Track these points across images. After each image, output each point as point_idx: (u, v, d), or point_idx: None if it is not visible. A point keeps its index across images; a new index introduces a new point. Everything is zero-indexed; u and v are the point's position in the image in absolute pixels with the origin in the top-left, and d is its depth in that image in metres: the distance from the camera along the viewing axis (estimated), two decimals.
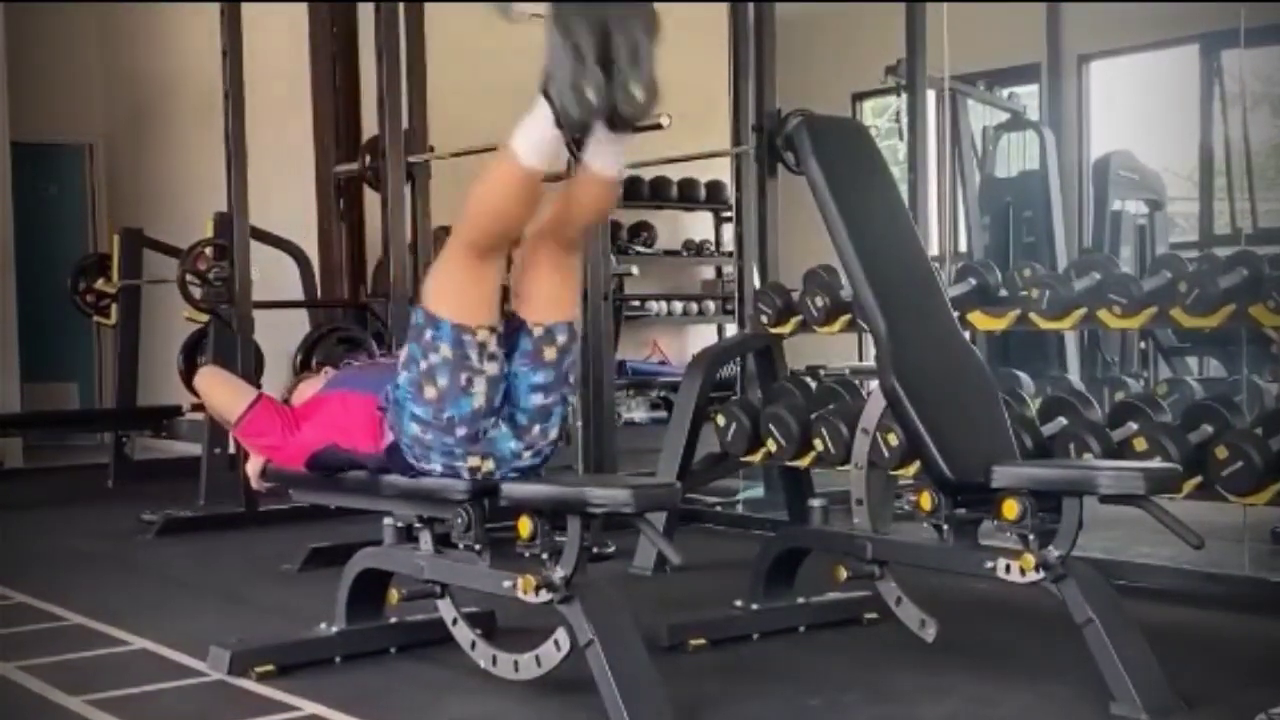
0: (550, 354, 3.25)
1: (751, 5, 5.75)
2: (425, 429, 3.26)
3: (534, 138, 3.03)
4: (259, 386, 4.23)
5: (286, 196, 8.07)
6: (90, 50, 10.39)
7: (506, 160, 3.05)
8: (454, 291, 3.19)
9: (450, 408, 3.21)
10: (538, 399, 3.27)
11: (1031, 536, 3.28)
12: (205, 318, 6.89)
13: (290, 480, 3.84)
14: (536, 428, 3.30)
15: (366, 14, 6.78)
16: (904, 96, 6.39)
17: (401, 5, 6.21)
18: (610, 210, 3.47)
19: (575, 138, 3.07)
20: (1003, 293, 4.79)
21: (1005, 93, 9.32)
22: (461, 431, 3.23)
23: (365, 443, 3.47)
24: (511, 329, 3.25)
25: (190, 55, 9.08)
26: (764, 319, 5.32)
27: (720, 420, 5.19)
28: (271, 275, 7.28)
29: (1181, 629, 4.01)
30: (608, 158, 3.15)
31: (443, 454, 3.27)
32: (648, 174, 10.43)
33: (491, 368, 3.20)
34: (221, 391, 3.89)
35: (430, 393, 3.21)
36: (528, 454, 3.32)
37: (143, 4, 9.87)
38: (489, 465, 3.29)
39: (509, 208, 3.12)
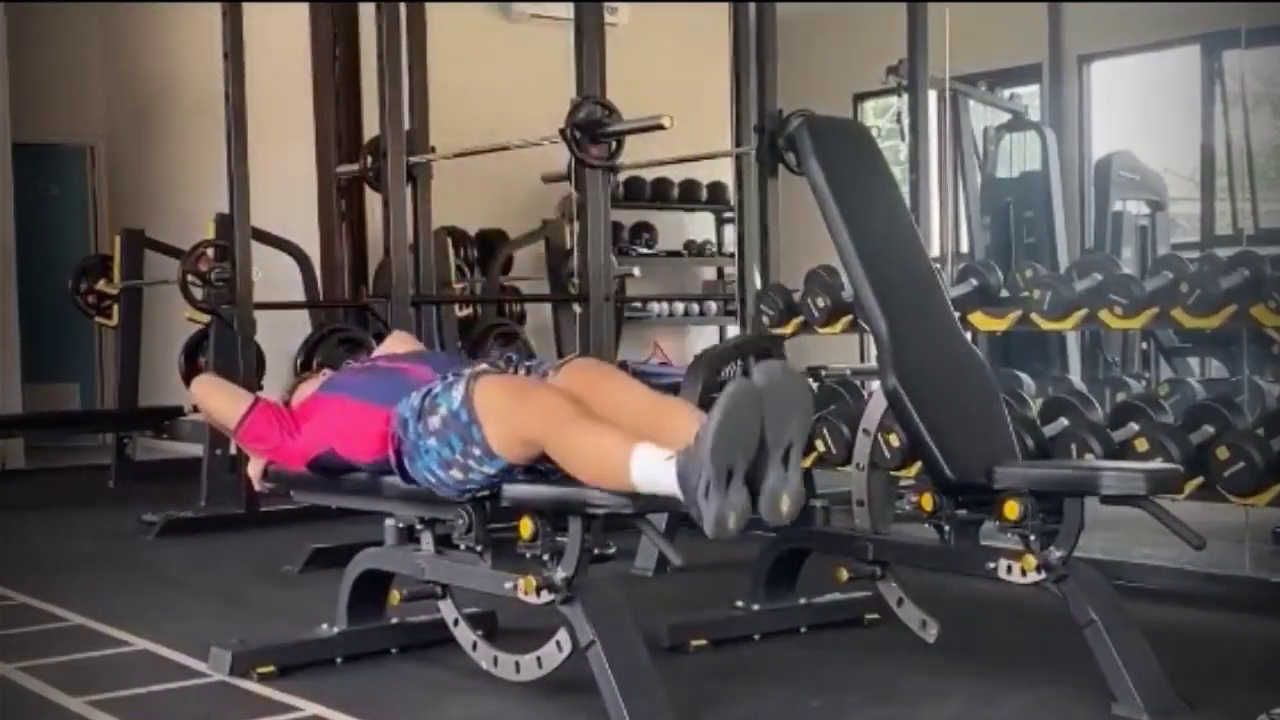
0: None
1: (752, 5, 5.75)
2: (442, 484, 3.29)
3: (650, 486, 2.93)
4: (260, 388, 4.22)
5: (288, 197, 8.07)
6: (92, 51, 10.39)
7: (616, 470, 2.97)
8: (513, 437, 3.14)
9: (472, 481, 3.25)
10: None
11: (1033, 537, 3.29)
12: (206, 318, 6.88)
13: (291, 481, 3.83)
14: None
15: (368, 14, 6.77)
16: (905, 97, 6.39)
17: (403, 5, 6.21)
18: None
19: None
20: (1004, 293, 4.79)
21: (1006, 93, 9.32)
22: (484, 490, 3.28)
23: (365, 451, 3.46)
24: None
25: (191, 56, 9.07)
26: (765, 320, 5.32)
27: None
28: (273, 276, 7.28)
29: (1183, 630, 4.01)
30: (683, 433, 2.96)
31: (457, 491, 3.30)
32: (649, 175, 10.43)
33: (522, 478, 3.25)
34: (218, 399, 3.88)
35: (456, 474, 3.24)
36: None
37: (143, 4, 9.87)
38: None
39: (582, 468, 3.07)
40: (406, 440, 3.31)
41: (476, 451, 3.19)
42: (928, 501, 3.52)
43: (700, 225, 11.32)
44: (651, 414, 3.16)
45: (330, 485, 3.70)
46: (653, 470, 2.92)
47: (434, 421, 3.24)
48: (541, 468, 3.24)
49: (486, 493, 3.28)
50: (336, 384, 3.71)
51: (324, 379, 3.83)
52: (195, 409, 7.30)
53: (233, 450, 6.32)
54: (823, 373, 5.97)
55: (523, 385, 3.27)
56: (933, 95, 6.62)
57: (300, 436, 3.66)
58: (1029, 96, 9.62)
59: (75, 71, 10.30)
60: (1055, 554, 3.25)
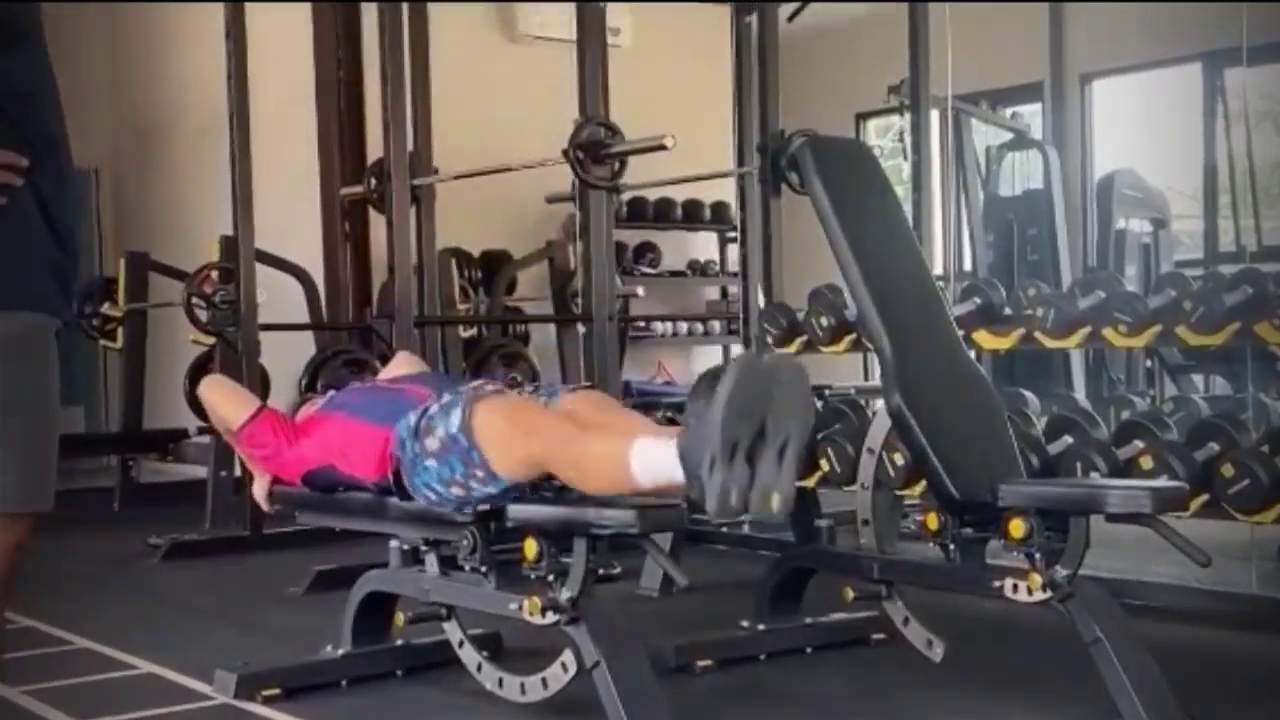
0: None
1: (755, 24, 5.76)
2: (442, 500, 3.32)
3: (651, 475, 2.94)
4: (266, 404, 4.23)
5: (292, 219, 8.08)
6: (96, 75, 10.41)
7: (616, 466, 2.97)
8: (519, 461, 3.16)
9: (474, 496, 3.27)
10: None
11: (1038, 556, 3.27)
12: (211, 341, 6.89)
13: (296, 502, 3.84)
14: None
15: (371, 37, 6.80)
16: (907, 116, 6.40)
17: (406, 29, 6.23)
18: None
19: None
20: (1007, 311, 4.79)
21: (1008, 112, 9.34)
22: (484, 505, 3.30)
23: (366, 471, 3.47)
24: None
25: (195, 79, 9.10)
26: (769, 339, 5.32)
27: None
28: (277, 298, 7.29)
29: (1189, 647, 4.00)
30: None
31: (456, 508, 3.33)
32: (652, 195, 10.45)
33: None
34: (225, 399, 3.89)
35: (457, 490, 3.27)
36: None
37: (147, 29, 9.92)
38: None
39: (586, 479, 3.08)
40: (405, 459, 3.33)
41: (479, 474, 3.21)
42: (933, 520, 3.51)
43: (703, 245, 11.34)
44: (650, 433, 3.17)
45: (334, 507, 3.70)
46: (653, 457, 2.90)
47: (431, 443, 3.26)
48: (545, 487, 3.24)
49: (488, 506, 3.29)
50: (338, 402, 3.73)
51: (327, 398, 3.84)
52: (200, 430, 7.35)
53: (238, 472, 6.32)
54: (827, 392, 5.96)
55: (521, 408, 3.28)
56: (935, 114, 6.63)
57: (298, 447, 3.66)
58: (1031, 115, 9.63)
59: (80, 95, 10.23)
60: (1061, 572, 3.24)
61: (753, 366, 2.84)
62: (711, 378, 2.85)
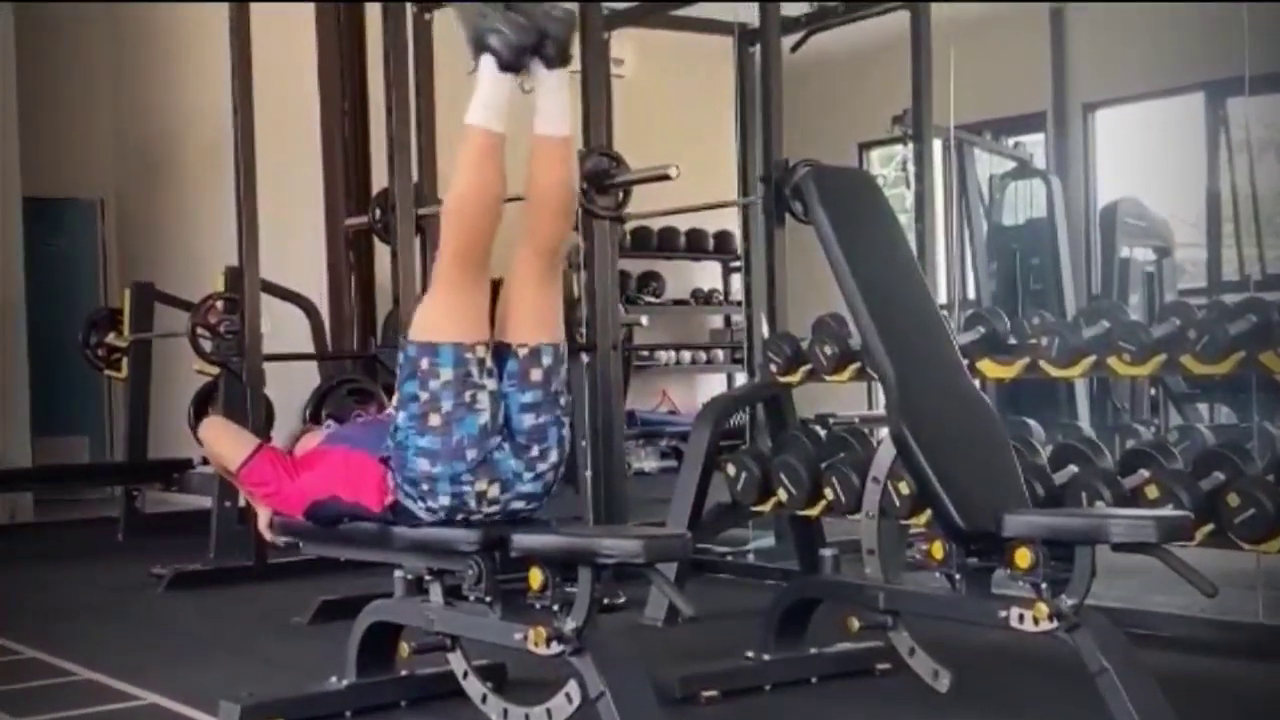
0: (536, 375, 3.34)
1: (758, 54, 5.78)
2: (434, 461, 3.28)
3: (485, 97, 3.24)
4: (269, 439, 4.23)
5: (297, 250, 8.10)
6: (102, 105, 10.47)
7: (470, 137, 3.24)
8: (446, 314, 3.31)
9: (458, 429, 3.25)
10: (529, 419, 3.33)
11: (1044, 585, 3.27)
12: (216, 371, 6.90)
13: (301, 534, 3.83)
14: (535, 448, 3.34)
15: (376, 69, 6.82)
16: (910, 145, 6.42)
17: (411, 60, 6.26)
18: (571, 187, 3.53)
19: (520, 64, 3.24)
20: (1012, 340, 4.79)
21: (1011, 141, 9.35)
22: (472, 454, 3.27)
23: (371, 498, 3.47)
24: (498, 355, 3.35)
25: (200, 110, 9.15)
26: (773, 367, 5.32)
27: (730, 470, 5.18)
28: (282, 328, 7.30)
29: (1195, 677, 3.99)
30: (554, 112, 3.31)
31: (451, 484, 3.29)
32: (656, 224, 10.47)
33: (491, 383, 3.30)
34: (225, 441, 3.90)
35: (435, 420, 3.26)
36: (528, 476, 3.34)
37: (152, 59, 9.96)
38: (495, 490, 3.32)
39: (485, 181, 3.26)
40: (393, 456, 3.34)
41: (424, 364, 3.25)
42: (938, 550, 3.51)
43: (707, 274, 11.35)
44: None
45: (339, 537, 3.69)
46: (474, 97, 3.22)
47: (397, 402, 3.34)
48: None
49: (475, 452, 3.26)
50: (340, 435, 3.74)
51: (328, 431, 3.84)
52: (204, 461, 7.34)
53: (242, 503, 6.31)
54: (831, 420, 5.97)
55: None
56: (938, 144, 6.66)
57: (299, 482, 3.66)
58: (1034, 144, 9.64)
59: (85, 126, 10.37)
60: (1067, 602, 3.23)
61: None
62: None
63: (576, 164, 3.46)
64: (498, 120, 3.24)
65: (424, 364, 3.26)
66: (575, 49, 3.35)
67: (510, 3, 3.20)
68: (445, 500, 3.31)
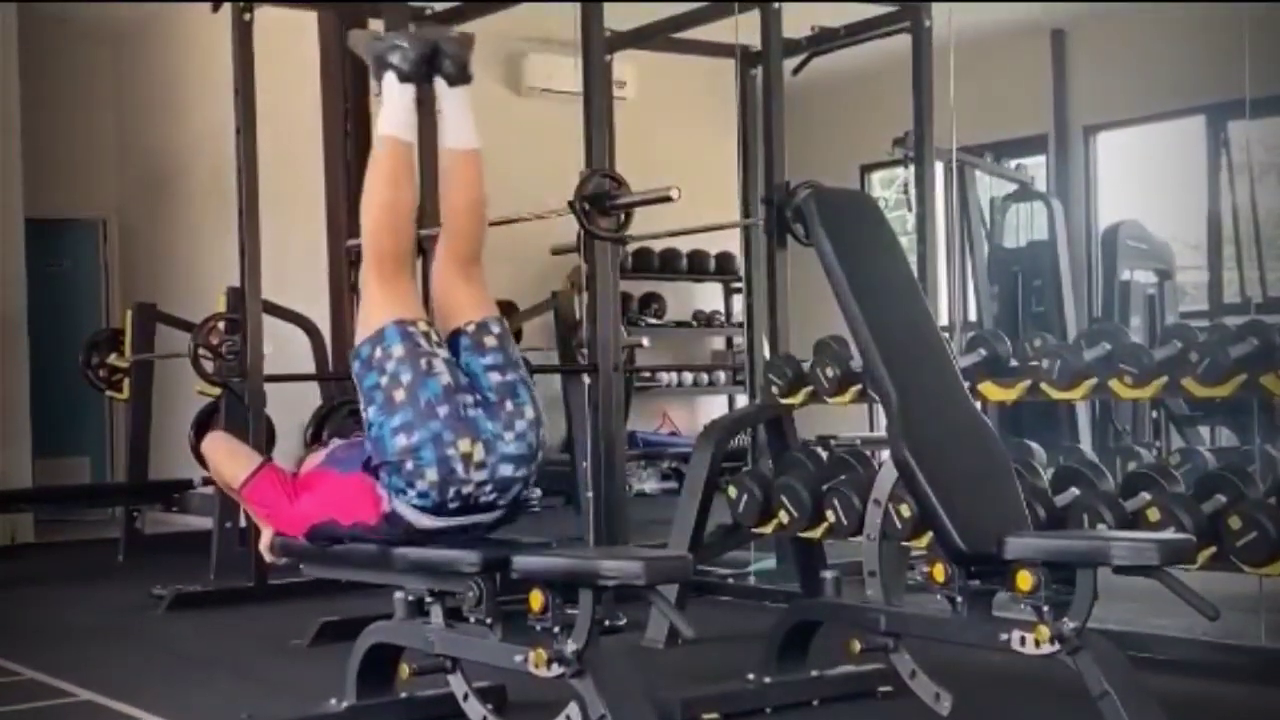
0: (491, 341, 3.51)
1: (760, 77, 5.79)
2: (409, 432, 3.32)
3: (391, 110, 3.53)
4: (269, 458, 4.23)
5: (299, 271, 8.11)
6: (104, 126, 10.49)
7: (380, 148, 3.56)
8: (380, 304, 3.50)
9: (423, 393, 3.33)
10: (495, 376, 3.45)
11: (1046, 608, 3.26)
12: (217, 391, 6.90)
13: (301, 555, 3.83)
14: (509, 403, 3.42)
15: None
16: (912, 168, 6.43)
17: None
18: (480, 192, 3.72)
19: (423, 75, 3.54)
20: (1013, 363, 4.79)
21: (1013, 164, 9.37)
22: (444, 410, 3.32)
23: (366, 513, 3.46)
24: (450, 341, 3.50)
25: (202, 131, 9.16)
26: (775, 389, 5.32)
27: (732, 491, 5.18)
28: (284, 349, 7.30)
29: (1197, 700, 3.98)
30: (459, 127, 3.61)
31: (434, 447, 3.31)
32: (658, 246, 10.49)
33: (443, 352, 3.43)
34: (227, 458, 3.89)
35: (400, 395, 3.34)
36: (509, 435, 3.38)
37: (155, 82, 9.99)
38: (480, 451, 3.34)
39: (399, 198, 3.57)
40: (374, 453, 3.40)
41: (376, 352, 3.38)
42: (939, 572, 3.50)
43: (708, 295, 11.36)
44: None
45: (339, 559, 3.69)
46: (380, 113, 3.54)
47: (363, 402, 3.42)
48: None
49: (446, 408, 3.32)
50: (332, 459, 3.73)
51: (328, 452, 3.84)
52: (205, 481, 7.34)
53: (243, 523, 6.31)
54: (832, 442, 5.96)
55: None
56: (939, 166, 6.67)
57: (298, 505, 3.66)
58: (1035, 167, 9.67)
59: (88, 147, 10.39)
60: (1069, 625, 3.23)
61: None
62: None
63: (482, 175, 3.73)
64: (408, 130, 3.55)
65: (376, 353, 3.39)
66: (474, 69, 3.61)
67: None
68: (432, 474, 3.31)
